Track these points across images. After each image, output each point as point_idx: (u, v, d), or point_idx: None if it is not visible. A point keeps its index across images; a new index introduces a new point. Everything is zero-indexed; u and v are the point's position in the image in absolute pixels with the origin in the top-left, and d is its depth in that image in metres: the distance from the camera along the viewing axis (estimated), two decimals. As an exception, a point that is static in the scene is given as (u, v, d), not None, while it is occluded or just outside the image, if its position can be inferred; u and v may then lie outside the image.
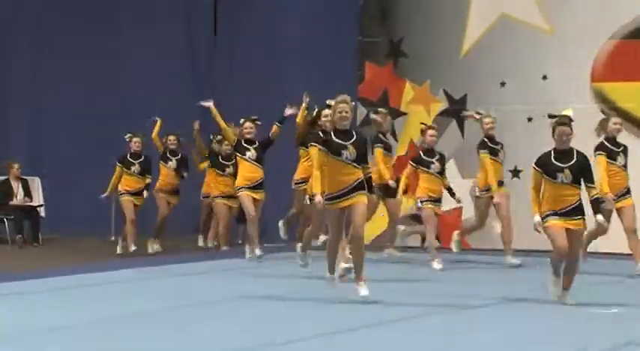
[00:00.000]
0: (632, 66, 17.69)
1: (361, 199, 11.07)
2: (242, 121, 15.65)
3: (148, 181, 17.85)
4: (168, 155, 18.38)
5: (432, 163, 15.18)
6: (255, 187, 15.29)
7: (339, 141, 10.98)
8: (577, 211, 10.88)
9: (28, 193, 19.88)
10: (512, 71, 18.18)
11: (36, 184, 20.18)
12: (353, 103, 11.45)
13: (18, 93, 21.43)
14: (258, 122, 15.65)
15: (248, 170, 15.32)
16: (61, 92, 21.03)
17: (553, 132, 10.85)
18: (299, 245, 14.00)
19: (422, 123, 16.20)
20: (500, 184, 15.37)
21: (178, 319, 10.91)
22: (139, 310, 11.40)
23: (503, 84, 18.05)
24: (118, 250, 17.58)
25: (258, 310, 11.38)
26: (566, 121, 10.81)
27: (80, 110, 20.90)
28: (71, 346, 9.30)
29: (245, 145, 15.41)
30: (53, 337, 9.76)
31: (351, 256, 11.92)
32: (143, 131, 19.11)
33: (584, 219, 10.99)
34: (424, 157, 15.19)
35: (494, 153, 15.26)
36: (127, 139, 17.87)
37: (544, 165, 10.97)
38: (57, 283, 13.77)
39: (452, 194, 15.53)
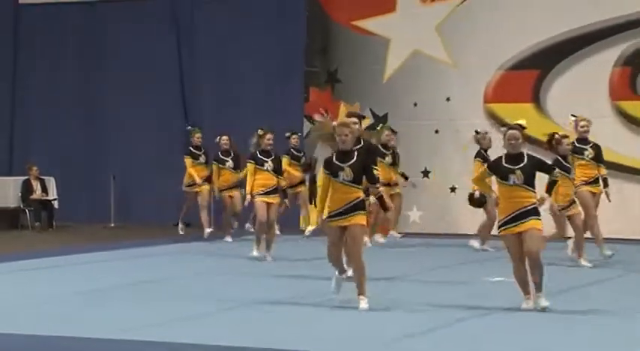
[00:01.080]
0: (515, 91, 17.66)
1: (358, 220, 9.42)
2: (261, 132, 13.84)
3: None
4: (222, 156, 16.54)
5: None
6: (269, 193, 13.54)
7: (339, 163, 9.36)
8: (530, 213, 9.23)
9: (44, 189, 19.90)
10: (422, 94, 18.07)
11: (51, 182, 20.10)
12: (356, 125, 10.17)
13: (36, 106, 21.09)
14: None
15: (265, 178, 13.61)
16: (67, 109, 20.80)
17: (504, 138, 9.39)
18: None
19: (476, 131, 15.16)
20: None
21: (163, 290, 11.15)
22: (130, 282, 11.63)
23: (415, 104, 18.04)
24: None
25: (205, 285, 11.45)
26: (515, 127, 9.42)
27: (82, 124, 20.73)
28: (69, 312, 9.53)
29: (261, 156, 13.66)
30: (52, 303, 10.00)
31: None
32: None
33: (538, 220, 9.28)
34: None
35: (580, 153, 13.47)
36: (191, 135, 17.16)
37: (496, 167, 9.48)
38: (69, 260, 13.81)
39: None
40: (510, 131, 9.36)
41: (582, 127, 13.60)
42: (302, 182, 16.82)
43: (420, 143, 17.24)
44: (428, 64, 18.23)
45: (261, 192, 13.49)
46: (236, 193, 16.39)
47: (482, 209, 14.65)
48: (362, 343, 7.92)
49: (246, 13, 19.57)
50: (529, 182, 9.30)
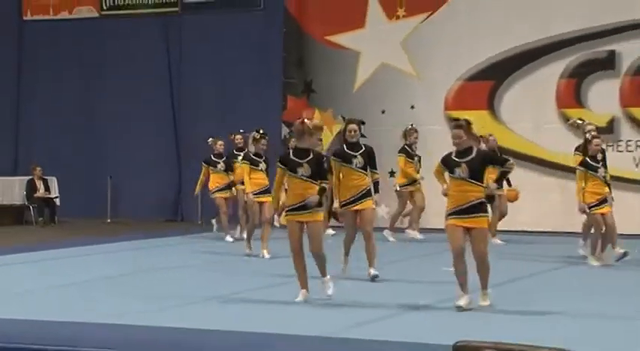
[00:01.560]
0: (472, 99, 17.59)
1: (316, 217, 9.05)
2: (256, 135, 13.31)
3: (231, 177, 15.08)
4: (215, 158, 15.57)
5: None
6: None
7: (297, 159, 9.03)
8: (477, 209, 8.63)
9: (47, 188, 19.92)
10: (389, 102, 18.04)
11: (53, 182, 20.12)
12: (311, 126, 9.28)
13: (39, 114, 21.07)
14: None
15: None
16: (68, 116, 20.76)
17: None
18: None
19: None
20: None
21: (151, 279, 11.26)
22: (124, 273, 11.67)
23: (383, 111, 17.96)
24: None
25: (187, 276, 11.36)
26: (456, 125, 8.72)
27: (82, 130, 20.71)
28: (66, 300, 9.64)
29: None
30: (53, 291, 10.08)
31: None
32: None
33: (485, 217, 8.74)
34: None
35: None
36: (210, 143, 15.64)
37: (446, 160, 8.85)
38: (69, 252, 13.81)
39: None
40: (452, 131, 8.77)
41: (589, 131, 12.46)
42: (228, 187, 15.47)
43: (388, 147, 17.10)
44: (394, 76, 18.22)
45: (256, 191, 13.14)
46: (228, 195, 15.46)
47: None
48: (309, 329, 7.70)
49: (231, 29, 19.57)
50: (475, 176, 8.63)
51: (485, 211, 8.80)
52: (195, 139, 19.60)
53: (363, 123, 11.20)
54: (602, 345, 7.24)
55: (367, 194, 10.51)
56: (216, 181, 15.57)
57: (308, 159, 9.05)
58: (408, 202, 15.64)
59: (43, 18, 21.21)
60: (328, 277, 9.24)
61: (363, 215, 10.49)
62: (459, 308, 8.59)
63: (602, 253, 12.22)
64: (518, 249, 14.25)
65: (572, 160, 13.00)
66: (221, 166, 15.47)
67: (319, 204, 9.07)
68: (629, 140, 16.92)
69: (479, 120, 16.93)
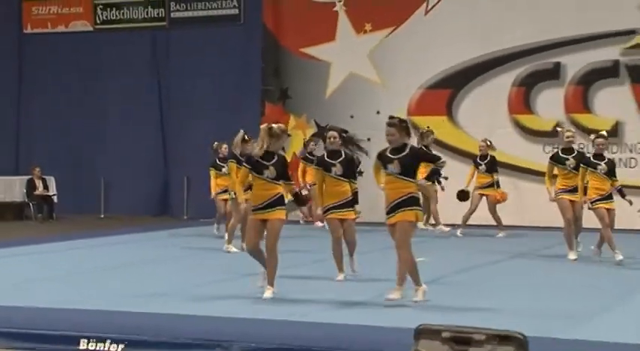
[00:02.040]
0: (432, 106, 17.58)
1: (277, 215, 8.59)
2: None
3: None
4: (220, 163, 14.44)
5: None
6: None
7: (264, 162, 8.56)
8: (406, 203, 8.13)
9: (46, 186, 19.82)
10: (357, 108, 18.00)
11: (51, 181, 20.04)
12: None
13: (39, 117, 20.92)
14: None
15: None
16: (65, 120, 20.60)
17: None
18: None
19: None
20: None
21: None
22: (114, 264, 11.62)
23: (352, 116, 17.81)
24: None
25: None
26: (390, 123, 8.20)
27: (78, 133, 20.59)
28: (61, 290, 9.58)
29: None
30: (51, 281, 10.02)
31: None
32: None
33: (410, 211, 8.13)
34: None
35: (560, 162, 11.83)
36: (215, 147, 14.59)
37: (380, 157, 8.36)
38: (66, 245, 13.79)
39: None
40: (386, 128, 8.23)
41: (568, 138, 11.97)
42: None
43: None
44: (361, 84, 18.27)
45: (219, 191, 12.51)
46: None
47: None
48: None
49: (214, 43, 19.55)
50: (406, 173, 8.15)
51: (415, 204, 8.20)
52: (181, 142, 19.70)
53: (345, 131, 10.44)
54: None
55: (348, 204, 9.68)
56: (220, 183, 14.54)
57: (273, 162, 8.60)
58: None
59: (41, 31, 21.12)
60: (270, 287, 8.53)
61: (345, 226, 9.74)
62: (417, 301, 8.27)
63: (598, 249, 11.74)
64: (473, 242, 14.36)
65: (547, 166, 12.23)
66: (225, 169, 14.40)
67: (283, 203, 8.66)
68: (556, 146, 17.04)
69: (438, 125, 17.35)
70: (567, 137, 11.89)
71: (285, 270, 9.27)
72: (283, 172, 8.67)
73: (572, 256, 11.76)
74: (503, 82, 17.46)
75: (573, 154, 11.75)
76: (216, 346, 6.66)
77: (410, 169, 8.19)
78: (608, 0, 16.83)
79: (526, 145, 17.28)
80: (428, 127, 15.67)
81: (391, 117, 8.40)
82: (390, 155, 8.23)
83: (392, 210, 8.20)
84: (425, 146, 15.08)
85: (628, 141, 16.74)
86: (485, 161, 15.09)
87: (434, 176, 8.61)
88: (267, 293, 8.56)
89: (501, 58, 17.45)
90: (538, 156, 17.04)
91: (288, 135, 9.34)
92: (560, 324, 7.43)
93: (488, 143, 15.30)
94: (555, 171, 11.89)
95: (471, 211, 15.07)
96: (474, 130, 17.45)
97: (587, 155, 11.76)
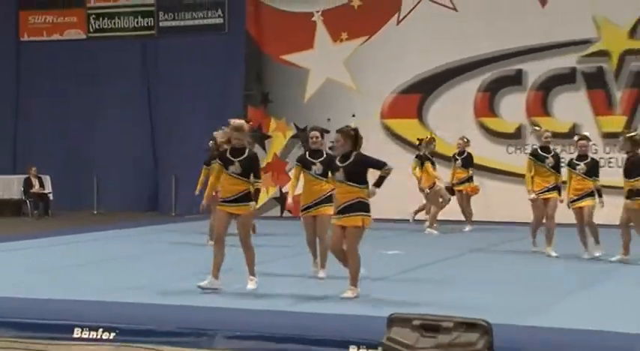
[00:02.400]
0: (404, 109, 17.69)
1: (245, 210, 8.46)
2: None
3: None
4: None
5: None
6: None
7: (231, 158, 8.45)
8: (353, 208, 7.97)
9: (42, 185, 19.73)
10: (334, 111, 17.62)
11: (47, 179, 19.96)
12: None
13: (37, 119, 20.79)
14: None
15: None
16: (60, 122, 20.48)
17: None
18: None
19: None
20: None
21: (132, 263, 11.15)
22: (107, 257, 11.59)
23: (329, 119, 17.09)
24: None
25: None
26: (339, 129, 8.16)
27: (72, 134, 20.45)
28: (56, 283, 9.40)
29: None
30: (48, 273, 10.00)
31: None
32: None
33: (358, 216, 7.96)
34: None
35: (541, 160, 11.45)
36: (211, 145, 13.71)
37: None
38: (61, 240, 13.68)
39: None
40: (335, 135, 8.11)
41: (546, 138, 11.64)
42: None
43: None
44: (338, 89, 18.26)
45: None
46: None
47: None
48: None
49: (200, 50, 19.50)
50: (352, 179, 7.98)
51: (363, 210, 8.00)
52: (170, 143, 19.62)
53: (327, 131, 10.11)
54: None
55: (325, 201, 9.21)
56: None
57: (240, 158, 8.41)
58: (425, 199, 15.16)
59: (37, 39, 21.01)
60: (252, 277, 8.45)
61: (318, 221, 9.23)
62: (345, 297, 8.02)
63: (593, 246, 11.25)
64: (442, 236, 14.39)
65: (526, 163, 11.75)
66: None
67: (251, 199, 8.40)
68: (534, 144, 17.02)
69: (409, 127, 17.44)
70: (546, 137, 11.62)
71: (263, 265, 9.21)
72: (249, 169, 8.43)
73: (534, 248, 11.66)
74: (469, 88, 17.49)
75: (552, 154, 11.52)
76: (202, 334, 6.66)
77: (356, 176, 8.01)
78: (566, 12, 16.92)
79: (491, 146, 17.32)
80: (430, 136, 15.47)
81: (346, 126, 8.26)
82: (338, 163, 8.07)
83: (340, 212, 8.06)
84: (426, 154, 14.78)
85: (584, 142, 16.86)
86: (462, 157, 15.20)
87: (383, 182, 8.12)
88: (252, 284, 8.46)
89: (468, 66, 17.48)
90: (502, 156, 17.23)
91: (257, 131, 9.09)
92: (522, 312, 7.46)
93: (465, 140, 15.35)
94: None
95: (441, 207, 14.99)
96: (443, 132, 17.50)
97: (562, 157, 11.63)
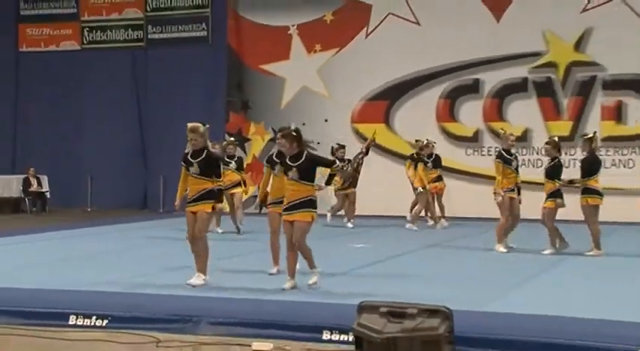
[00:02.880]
0: (372, 115, 17.60)
1: (203, 208, 8.21)
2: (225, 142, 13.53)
3: (243, 175, 13.95)
4: (228, 159, 13.42)
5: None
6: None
7: (191, 159, 8.23)
8: (303, 205, 7.82)
9: (40, 184, 19.58)
10: (309, 117, 17.82)
11: (45, 179, 19.81)
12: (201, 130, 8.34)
13: (37, 123, 20.55)
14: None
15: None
16: (57, 126, 20.29)
17: None
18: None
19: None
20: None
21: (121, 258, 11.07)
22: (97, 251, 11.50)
23: (304, 124, 16.89)
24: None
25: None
26: (282, 135, 7.97)
27: (68, 137, 20.24)
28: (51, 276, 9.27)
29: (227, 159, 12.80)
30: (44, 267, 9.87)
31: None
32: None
33: (306, 212, 7.78)
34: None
35: (508, 162, 11.24)
36: (224, 145, 13.77)
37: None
38: (58, 235, 13.67)
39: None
40: (278, 140, 8.03)
41: (512, 141, 11.44)
42: (238, 184, 13.62)
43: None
44: (312, 96, 18.24)
45: (228, 185, 12.42)
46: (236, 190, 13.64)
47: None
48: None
49: (186, 60, 19.40)
50: (304, 177, 7.79)
51: (310, 206, 7.84)
52: (158, 145, 19.50)
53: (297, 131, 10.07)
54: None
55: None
56: (229, 178, 13.23)
57: (199, 159, 8.16)
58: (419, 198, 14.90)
59: (35, 50, 20.85)
60: (200, 274, 8.10)
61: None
62: (311, 285, 7.97)
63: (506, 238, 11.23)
64: (403, 231, 14.41)
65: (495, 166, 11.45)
66: (233, 165, 13.75)
67: (211, 197, 8.13)
68: (490, 147, 17.26)
69: (378, 131, 17.12)
70: (512, 141, 11.40)
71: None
72: (208, 169, 8.14)
73: (501, 248, 11.14)
74: (431, 95, 17.55)
75: (515, 156, 11.37)
76: (188, 320, 6.64)
77: (307, 174, 7.83)
78: (518, 27, 17.03)
79: (451, 149, 17.38)
80: (428, 140, 15.23)
81: (281, 129, 8.10)
82: (289, 163, 7.86)
83: (291, 209, 7.86)
84: (423, 155, 14.66)
85: (535, 144, 16.88)
86: (432, 159, 15.03)
87: (332, 180, 8.05)
88: (197, 280, 8.09)
89: (430, 75, 17.55)
90: (461, 158, 17.32)
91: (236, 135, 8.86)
92: (479, 299, 7.48)
93: (433, 144, 15.20)
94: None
95: (415, 204, 14.85)
96: (408, 136, 17.53)
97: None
